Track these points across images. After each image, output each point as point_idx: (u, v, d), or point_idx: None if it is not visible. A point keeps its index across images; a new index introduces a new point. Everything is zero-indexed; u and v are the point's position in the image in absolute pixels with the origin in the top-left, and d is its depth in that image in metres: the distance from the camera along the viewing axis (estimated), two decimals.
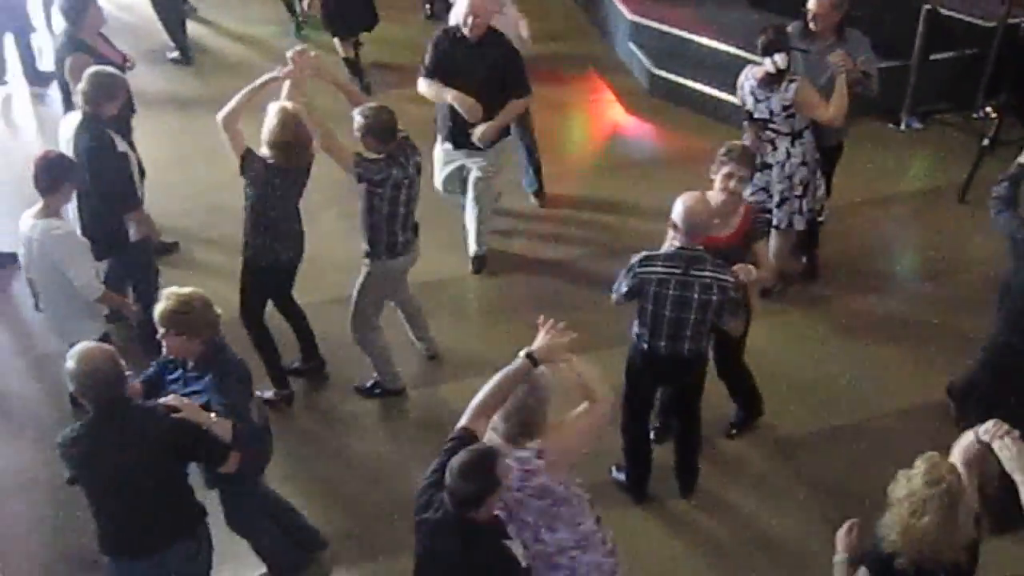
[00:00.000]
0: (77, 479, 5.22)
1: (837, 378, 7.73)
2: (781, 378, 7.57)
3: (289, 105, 6.75)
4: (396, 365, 7.60)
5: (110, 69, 7.27)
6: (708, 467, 6.95)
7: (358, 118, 6.78)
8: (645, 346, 6.30)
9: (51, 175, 6.43)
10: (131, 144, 7.79)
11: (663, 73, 10.79)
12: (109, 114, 7.17)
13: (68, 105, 8.05)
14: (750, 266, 6.29)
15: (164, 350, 5.56)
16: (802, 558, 6.43)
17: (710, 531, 6.73)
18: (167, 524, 5.30)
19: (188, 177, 9.32)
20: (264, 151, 6.76)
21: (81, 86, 7.07)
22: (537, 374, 4.91)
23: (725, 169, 6.51)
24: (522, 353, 4.95)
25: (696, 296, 6.03)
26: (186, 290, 5.49)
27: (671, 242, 6.15)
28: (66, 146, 7.22)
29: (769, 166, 7.73)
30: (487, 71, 7.87)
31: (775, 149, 7.69)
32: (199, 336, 5.43)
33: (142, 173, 8.03)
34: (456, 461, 4.49)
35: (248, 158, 6.79)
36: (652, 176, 9.69)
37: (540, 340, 4.99)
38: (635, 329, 6.35)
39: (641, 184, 9.57)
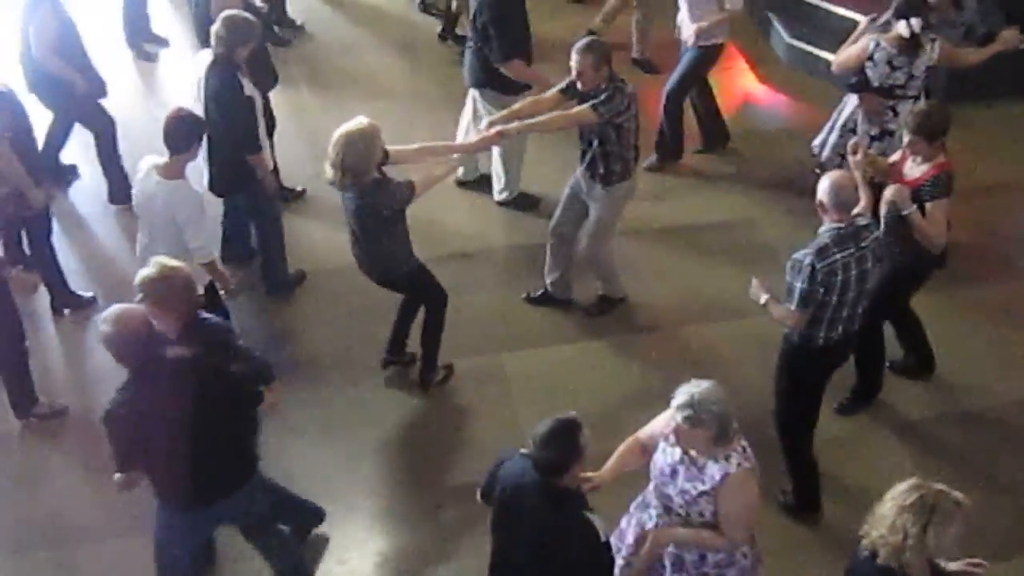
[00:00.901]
0: (131, 447, 5.16)
1: (959, 363, 7.57)
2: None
3: (364, 124, 6.46)
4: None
5: (245, 13, 7.36)
6: (820, 446, 6.78)
7: (579, 56, 6.98)
8: (819, 343, 6.07)
9: (183, 135, 6.45)
10: (266, 97, 7.92)
11: (799, 43, 10.61)
12: (241, 58, 7.27)
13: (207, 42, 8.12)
14: (904, 188, 6.36)
15: None
16: None
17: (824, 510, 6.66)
18: (228, 469, 5.39)
19: (316, 126, 9.46)
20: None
21: (216, 28, 7.16)
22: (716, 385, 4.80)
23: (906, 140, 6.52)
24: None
25: (871, 266, 5.98)
26: (173, 263, 5.40)
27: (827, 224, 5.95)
28: (197, 83, 7.41)
29: (890, 133, 7.65)
30: None
31: (897, 115, 7.60)
32: (174, 311, 5.32)
33: (272, 123, 8.18)
34: (541, 428, 4.58)
35: None
36: (780, 147, 9.58)
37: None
38: (802, 330, 6.04)
39: (769, 154, 9.46)
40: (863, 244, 5.89)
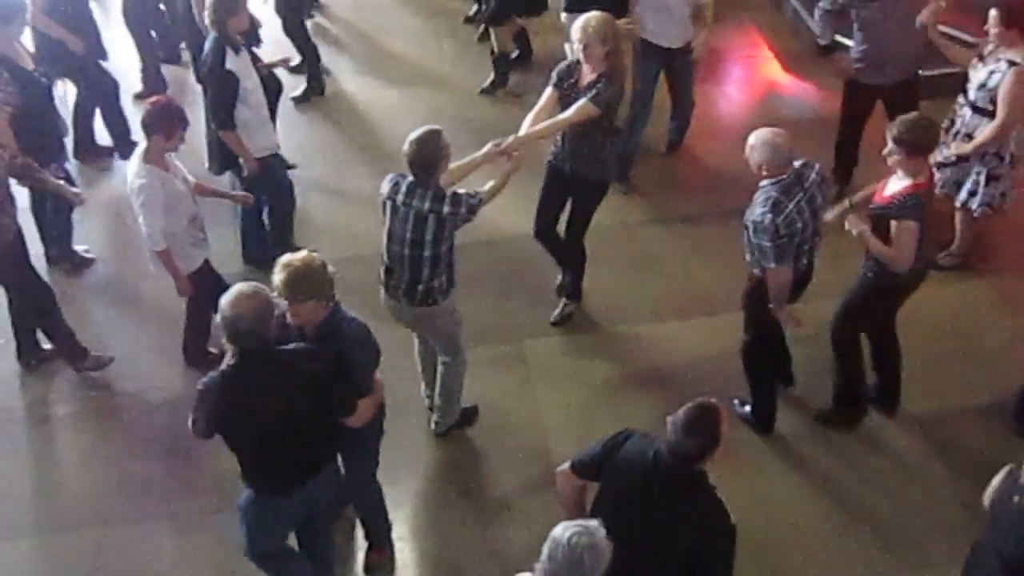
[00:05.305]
0: (216, 426, 5.14)
1: (991, 352, 7.48)
2: (933, 348, 7.41)
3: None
4: None
5: None
6: (845, 436, 6.90)
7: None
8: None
9: (153, 119, 6.52)
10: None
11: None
12: (237, 29, 7.32)
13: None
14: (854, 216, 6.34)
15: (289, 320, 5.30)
16: (932, 532, 6.36)
17: (846, 496, 6.64)
18: (312, 456, 5.38)
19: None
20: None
21: (207, 2, 7.26)
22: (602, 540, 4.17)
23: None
24: None
25: (820, 201, 6.27)
26: (299, 254, 5.27)
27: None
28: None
29: (1000, 157, 7.44)
30: None
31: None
32: (325, 296, 5.27)
33: (277, 93, 8.15)
34: (681, 416, 4.57)
35: None
36: (803, 137, 9.44)
37: None
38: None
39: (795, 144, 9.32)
40: (807, 185, 6.12)
